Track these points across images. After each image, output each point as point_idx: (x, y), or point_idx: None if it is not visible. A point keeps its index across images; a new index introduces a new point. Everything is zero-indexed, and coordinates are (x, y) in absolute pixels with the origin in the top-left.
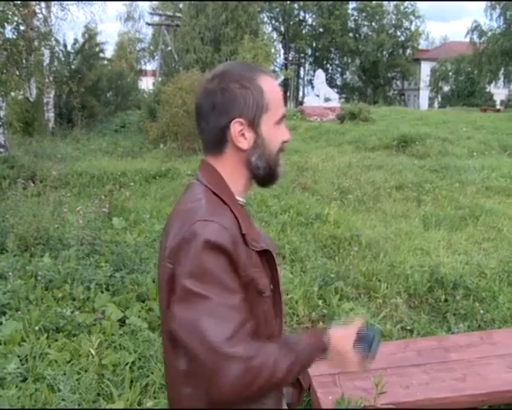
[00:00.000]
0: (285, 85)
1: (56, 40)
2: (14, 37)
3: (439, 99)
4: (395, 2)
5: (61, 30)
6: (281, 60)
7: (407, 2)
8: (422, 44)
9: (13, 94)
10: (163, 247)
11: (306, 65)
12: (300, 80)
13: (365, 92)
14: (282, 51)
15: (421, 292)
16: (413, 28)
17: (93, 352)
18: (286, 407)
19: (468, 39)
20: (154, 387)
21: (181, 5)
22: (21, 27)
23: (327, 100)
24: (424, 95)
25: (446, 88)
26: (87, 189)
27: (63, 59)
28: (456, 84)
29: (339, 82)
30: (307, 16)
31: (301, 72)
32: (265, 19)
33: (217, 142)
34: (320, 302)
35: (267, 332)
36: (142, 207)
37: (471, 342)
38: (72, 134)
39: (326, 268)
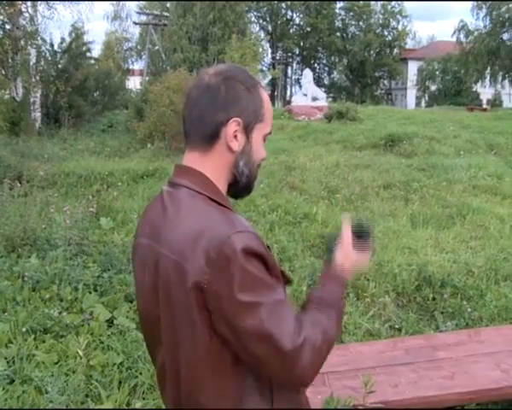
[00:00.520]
0: (273, 85)
1: (43, 39)
2: (0, 36)
3: (426, 98)
4: (382, 2)
5: (47, 29)
6: (268, 59)
7: (394, 1)
8: (409, 44)
9: None
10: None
11: (294, 64)
12: (288, 80)
13: (353, 91)
14: (270, 51)
15: (409, 291)
16: (400, 28)
17: (81, 353)
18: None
19: (454, 39)
20: (143, 388)
21: (168, 4)
22: (7, 26)
23: (314, 99)
24: (411, 94)
25: (433, 87)
26: (74, 189)
27: (50, 58)
28: (442, 84)
29: (326, 81)
30: (295, 15)
31: (289, 71)
32: (253, 18)
33: (208, 136)
34: None
35: None
36: (130, 207)
37: (459, 340)
38: (59, 134)
39: (314, 267)
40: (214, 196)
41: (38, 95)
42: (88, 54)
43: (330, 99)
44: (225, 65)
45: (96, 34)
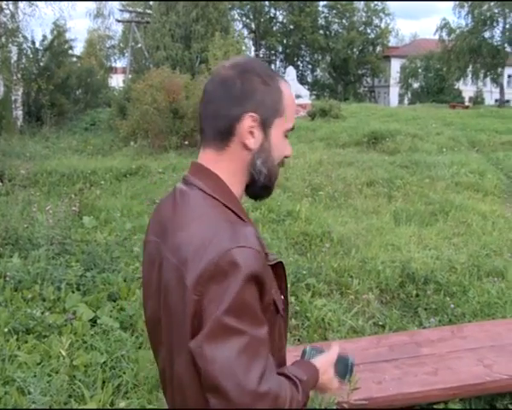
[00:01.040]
0: None
1: (24, 37)
2: None
3: (409, 96)
4: (365, 1)
5: (28, 26)
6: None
7: (377, 0)
8: (392, 42)
9: None
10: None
11: (277, 62)
12: None
13: (336, 89)
14: (253, 48)
15: (393, 287)
16: (383, 26)
17: (64, 353)
18: None
19: (437, 37)
20: (127, 387)
21: (151, 2)
22: None
23: (297, 97)
24: (394, 91)
25: (416, 85)
26: (57, 188)
27: (31, 56)
28: (425, 81)
29: (309, 79)
30: (278, 13)
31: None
32: (236, 16)
33: (223, 132)
34: (292, 299)
35: (280, 346)
36: (113, 206)
37: (442, 336)
38: (41, 132)
39: (298, 265)
40: (228, 203)
41: (20, 93)
42: (70, 52)
43: (313, 97)
44: (242, 57)
45: (79, 32)
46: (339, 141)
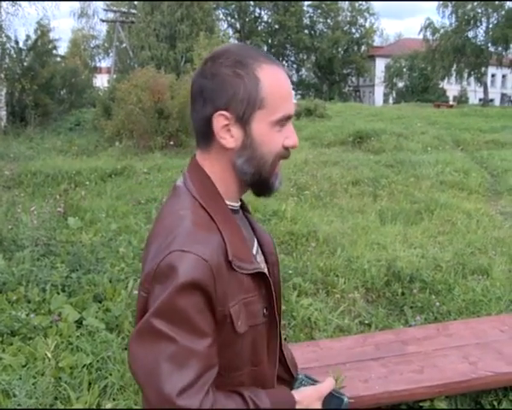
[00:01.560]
0: None
1: (7, 36)
2: None
3: (394, 95)
4: (350, 1)
5: (11, 26)
6: None
7: (361, 0)
8: (377, 41)
9: None
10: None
11: None
12: None
13: (321, 89)
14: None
15: (379, 286)
16: (368, 25)
17: (49, 355)
18: None
19: (421, 36)
20: (113, 388)
21: (135, 2)
22: None
23: None
24: (379, 91)
25: (401, 84)
26: (41, 188)
27: (15, 56)
28: (410, 81)
29: (294, 78)
30: (263, 13)
31: None
32: (221, 15)
33: (203, 134)
34: None
35: (255, 361)
36: (98, 207)
37: (427, 334)
38: (25, 133)
39: (284, 264)
40: (205, 203)
41: (3, 93)
42: (54, 51)
43: (299, 96)
44: (225, 45)
45: (63, 31)
46: (324, 140)
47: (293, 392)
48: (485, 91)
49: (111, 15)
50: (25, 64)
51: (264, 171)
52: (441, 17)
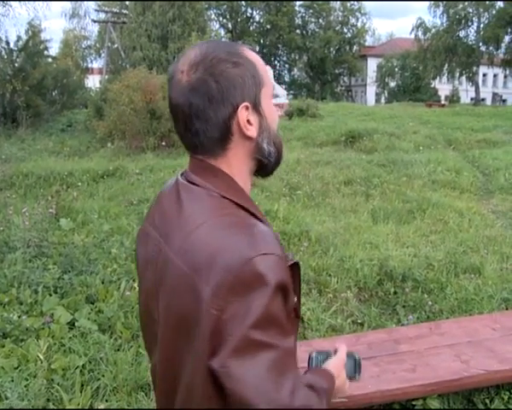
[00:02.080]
0: None
1: None
2: None
3: (386, 95)
4: (341, 1)
5: (2, 26)
6: None
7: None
8: (369, 41)
9: None
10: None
11: None
12: None
13: (313, 88)
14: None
15: (371, 285)
16: (359, 25)
17: (41, 357)
18: None
19: (413, 36)
20: (106, 390)
21: (127, 2)
22: None
23: (275, 96)
24: (371, 91)
25: (392, 84)
26: (33, 190)
27: (6, 57)
28: (402, 80)
29: (287, 78)
30: (254, 13)
31: None
32: (213, 16)
33: (221, 139)
34: None
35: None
36: (90, 208)
37: (420, 333)
38: (16, 134)
39: None
40: (241, 202)
41: None
42: (45, 52)
43: (291, 96)
44: (195, 49)
45: (54, 32)
46: (316, 140)
47: (326, 366)
48: (477, 91)
49: (102, 16)
50: (16, 65)
51: (279, 144)
52: (433, 17)
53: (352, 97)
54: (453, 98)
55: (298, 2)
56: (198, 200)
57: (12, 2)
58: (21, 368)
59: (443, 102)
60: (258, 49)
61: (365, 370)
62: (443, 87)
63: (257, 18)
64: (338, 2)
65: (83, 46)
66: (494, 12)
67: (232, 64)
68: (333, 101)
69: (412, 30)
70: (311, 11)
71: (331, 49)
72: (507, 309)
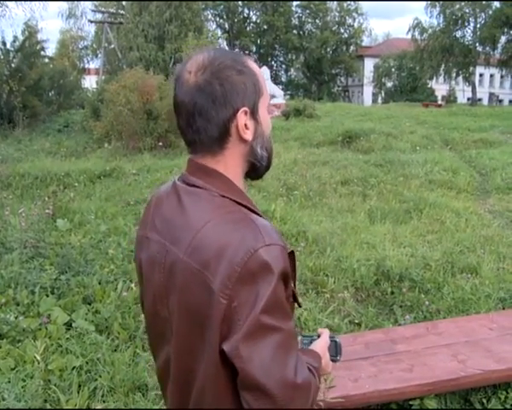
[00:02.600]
0: None
1: None
2: None
3: (383, 95)
4: (338, 1)
5: None
6: None
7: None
8: (365, 41)
9: None
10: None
11: None
12: None
13: (310, 89)
14: (227, 48)
15: (368, 285)
16: (356, 25)
17: (38, 357)
18: None
19: (409, 36)
20: (103, 390)
21: (124, 2)
22: None
23: (272, 97)
24: (368, 91)
25: (389, 84)
26: (30, 190)
27: (2, 57)
28: (398, 80)
29: (283, 79)
30: (251, 13)
31: None
32: (209, 16)
33: (219, 138)
34: None
35: None
36: (87, 208)
37: (417, 333)
38: (13, 135)
39: None
40: (240, 200)
41: None
42: (42, 53)
43: (288, 96)
44: (204, 54)
45: (51, 32)
46: (313, 140)
47: (312, 347)
48: (474, 91)
49: (99, 16)
50: (12, 65)
51: (271, 151)
52: (429, 17)
53: (348, 98)
54: (450, 98)
55: (295, 3)
56: (200, 201)
57: (8, 3)
58: (18, 369)
59: (440, 102)
60: (254, 49)
61: (363, 370)
62: (440, 87)
63: (254, 18)
64: (335, 3)
65: (79, 46)
66: (490, 12)
67: (237, 71)
68: (330, 101)
69: (409, 30)
70: (307, 11)
71: (328, 49)
72: (504, 309)
